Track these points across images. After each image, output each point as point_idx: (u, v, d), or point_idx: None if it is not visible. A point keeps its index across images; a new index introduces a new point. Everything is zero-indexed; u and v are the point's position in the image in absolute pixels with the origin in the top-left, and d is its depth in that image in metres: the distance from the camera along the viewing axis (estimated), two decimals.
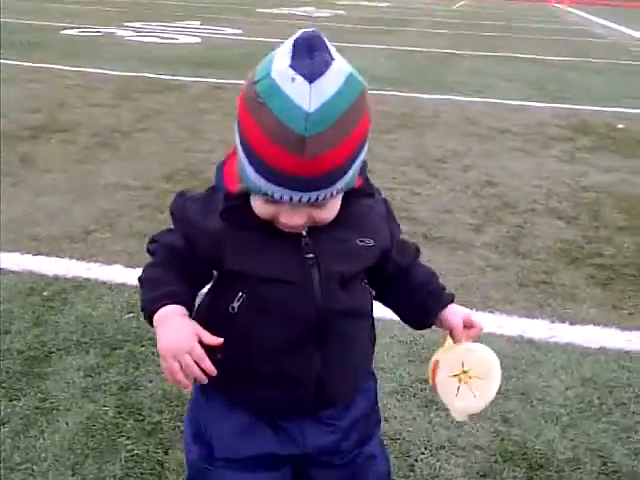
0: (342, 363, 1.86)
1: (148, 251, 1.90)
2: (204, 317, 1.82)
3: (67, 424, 3.04)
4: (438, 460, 2.94)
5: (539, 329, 4.05)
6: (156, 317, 1.76)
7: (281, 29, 18.36)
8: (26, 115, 8.51)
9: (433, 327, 2.01)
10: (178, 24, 21.55)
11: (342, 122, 1.53)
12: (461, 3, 45.32)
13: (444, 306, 1.97)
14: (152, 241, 1.90)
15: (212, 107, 9.51)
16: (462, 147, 8.10)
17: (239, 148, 1.64)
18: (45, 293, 4.14)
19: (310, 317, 1.76)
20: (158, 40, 16.71)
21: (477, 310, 4.17)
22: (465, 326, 1.94)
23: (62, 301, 4.06)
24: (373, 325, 1.99)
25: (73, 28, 18.25)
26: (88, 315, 3.93)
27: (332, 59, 1.54)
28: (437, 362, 1.94)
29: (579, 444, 3.10)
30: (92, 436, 2.98)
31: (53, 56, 13.12)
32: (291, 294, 1.75)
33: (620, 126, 9.53)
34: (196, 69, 12.57)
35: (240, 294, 1.78)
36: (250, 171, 1.60)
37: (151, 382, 3.35)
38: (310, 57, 1.52)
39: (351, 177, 1.64)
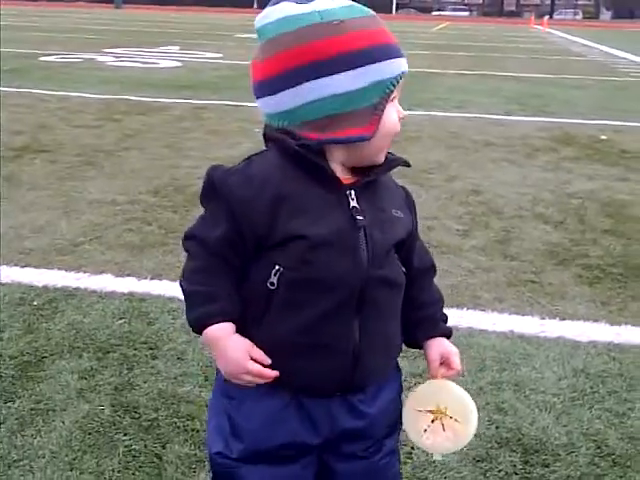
0: (378, 335, 1.81)
1: (185, 249, 1.81)
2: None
3: (63, 423, 3.03)
4: None
5: (530, 325, 4.08)
6: (208, 335, 1.76)
7: None
8: (8, 137, 8.52)
9: None
10: (158, 49, 21.69)
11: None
12: (441, 26, 45.63)
13: (434, 336, 1.95)
14: (189, 237, 1.80)
15: (194, 126, 9.60)
16: (447, 159, 8.16)
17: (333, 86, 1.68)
18: (35, 302, 4.13)
19: (356, 282, 1.73)
20: (139, 65, 16.81)
21: (467, 309, 4.22)
22: (442, 363, 1.93)
23: (53, 309, 4.05)
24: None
25: (51, 55, 18.33)
26: (79, 322, 3.92)
27: None
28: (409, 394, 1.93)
29: (573, 430, 3.12)
30: (89, 434, 2.98)
31: (33, 81, 13.18)
32: (340, 257, 1.72)
33: (603, 137, 9.63)
34: (178, 91, 12.66)
35: (277, 267, 1.72)
36: (371, 69, 1.68)
37: (145, 382, 3.35)
38: None
39: None
